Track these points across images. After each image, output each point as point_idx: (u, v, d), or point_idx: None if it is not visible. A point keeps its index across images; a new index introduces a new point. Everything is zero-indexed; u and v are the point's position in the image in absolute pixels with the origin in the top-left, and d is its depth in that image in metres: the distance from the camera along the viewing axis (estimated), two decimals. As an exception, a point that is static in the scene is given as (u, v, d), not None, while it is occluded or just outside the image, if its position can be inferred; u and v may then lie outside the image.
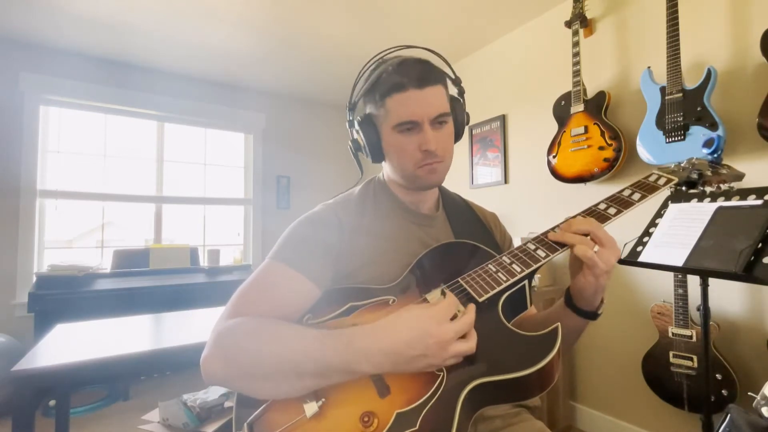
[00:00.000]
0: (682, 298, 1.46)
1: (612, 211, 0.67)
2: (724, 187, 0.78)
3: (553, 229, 0.67)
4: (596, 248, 0.60)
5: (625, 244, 1.19)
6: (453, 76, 0.77)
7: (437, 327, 0.53)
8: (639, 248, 1.13)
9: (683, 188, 0.78)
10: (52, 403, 2.15)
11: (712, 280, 1.26)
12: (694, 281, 1.43)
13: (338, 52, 2.63)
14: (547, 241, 0.66)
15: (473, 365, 0.55)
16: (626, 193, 0.71)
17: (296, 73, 3.00)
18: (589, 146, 1.80)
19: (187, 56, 2.70)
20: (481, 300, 0.61)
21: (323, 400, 0.55)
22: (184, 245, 2.85)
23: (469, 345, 0.55)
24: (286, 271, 0.65)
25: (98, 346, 1.16)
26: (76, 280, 2.31)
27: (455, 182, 2.79)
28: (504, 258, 0.67)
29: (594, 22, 1.97)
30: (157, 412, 2.04)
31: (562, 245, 0.64)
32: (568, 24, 1.91)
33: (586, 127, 1.82)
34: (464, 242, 0.75)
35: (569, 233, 0.63)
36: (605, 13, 1.93)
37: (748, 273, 0.85)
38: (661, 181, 0.72)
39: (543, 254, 0.64)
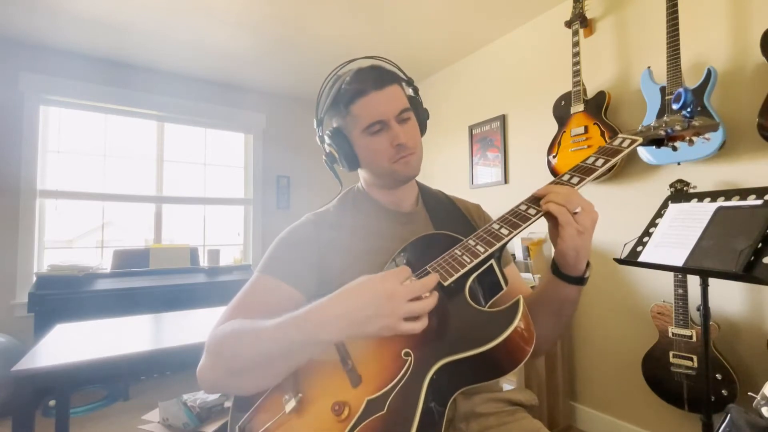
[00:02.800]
0: (682, 298, 1.46)
1: (575, 180, 0.67)
2: (697, 140, 0.75)
3: (518, 206, 0.67)
4: (578, 209, 0.61)
5: (625, 245, 1.20)
6: (405, 78, 0.81)
7: (384, 284, 0.55)
8: (639, 248, 1.13)
9: (654, 147, 0.77)
10: (52, 403, 2.15)
11: (712, 280, 1.26)
12: (694, 281, 1.43)
13: (338, 52, 2.62)
14: (511, 219, 0.66)
15: (438, 346, 0.56)
16: (590, 160, 0.70)
17: (296, 73, 3.00)
18: (589, 146, 1.80)
19: (187, 56, 2.70)
20: (446, 284, 0.61)
21: (301, 395, 0.59)
22: (184, 245, 2.85)
23: (427, 302, 0.55)
24: (270, 282, 0.71)
25: (98, 346, 1.16)
26: (76, 280, 2.31)
27: (455, 182, 2.80)
28: (469, 241, 0.67)
29: (594, 22, 1.97)
30: (157, 412, 2.04)
31: (525, 220, 0.64)
32: (568, 24, 1.91)
33: (586, 127, 1.82)
34: (439, 233, 0.76)
35: (550, 203, 0.64)
36: (605, 13, 1.93)
37: (748, 273, 0.86)
38: (625, 144, 0.71)
39: (506, 232, 0.64)
